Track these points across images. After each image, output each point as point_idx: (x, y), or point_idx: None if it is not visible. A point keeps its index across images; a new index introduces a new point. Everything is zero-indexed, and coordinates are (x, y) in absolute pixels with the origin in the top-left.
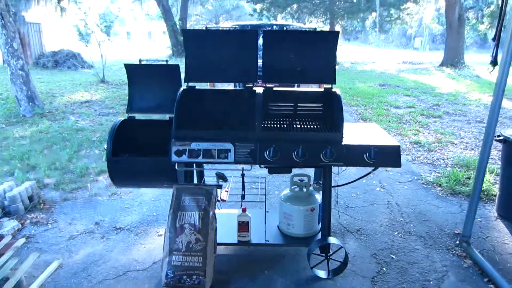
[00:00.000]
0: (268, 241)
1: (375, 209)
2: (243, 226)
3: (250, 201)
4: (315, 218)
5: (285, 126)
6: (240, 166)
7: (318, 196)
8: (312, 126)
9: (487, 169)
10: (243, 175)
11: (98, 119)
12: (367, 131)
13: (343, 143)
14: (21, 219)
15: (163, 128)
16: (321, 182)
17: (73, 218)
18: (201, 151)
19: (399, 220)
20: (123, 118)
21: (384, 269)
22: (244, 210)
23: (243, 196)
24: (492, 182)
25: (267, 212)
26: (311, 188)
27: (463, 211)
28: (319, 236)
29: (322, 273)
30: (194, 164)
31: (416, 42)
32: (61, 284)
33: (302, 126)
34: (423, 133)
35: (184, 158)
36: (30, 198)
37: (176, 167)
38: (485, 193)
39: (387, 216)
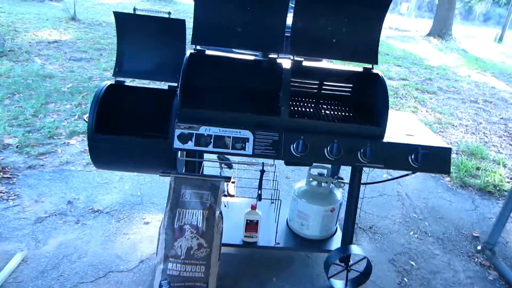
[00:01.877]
0: (279, 244)
1: (385, 201)
2: (252, 226)
3: (265, 198)
4: (334, 219)
5: (311, 110)
6: (259, 160)
7: (338, 194)
8: (343, 114)
9: (500, 162)
10: (262, 172)
11: (69, 64)
12: (404, 123)
13: (384, 140)
14: None
15: (160, 99)
16: (341, 178)
17: (40, 193)
18: (212, 138)
19: (412, 217)
20: (109, 83)
21: (405, 279)
22: (253, 207)
23: (259, 197)
24: (505, 176)
25: (272, 203)
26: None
27: (477, 208)
28: (335, 238)
29: (339, 284)
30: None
31: (402, 7)
32: (26, 286)
33: (332, 113)
34: (421, 111)
35: (190, 145)
36: None
37: (178, 156)
38: (497, 188)
39: (399, 210)
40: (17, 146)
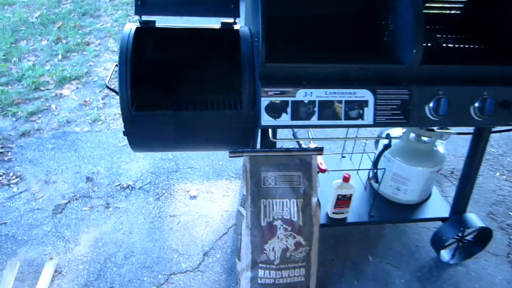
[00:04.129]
0: (373, 216)
1: (456, 136)
2: (343, 201)
3: (346, 169)
4: (435, 180)
5: (429, 45)
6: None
7: (442, 148)
8: (467, 46)
9: None
10: (387, 147)
11: None
12: None
13: None
14: None
15: (212, 44)
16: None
17: (47, 170)
18: (316, 106)
19: (491, 152)
20: (134, 26)
21: None
22: (346, 179)
23: (376, 178)
24: None
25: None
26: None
27: None
28: (432, 201)
29: (445, 255)
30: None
31: None
32: None
33: (455, 46)
34: None
35: (285, 119)
36: None
37: (271, 138)
38: None
39: None
40: None
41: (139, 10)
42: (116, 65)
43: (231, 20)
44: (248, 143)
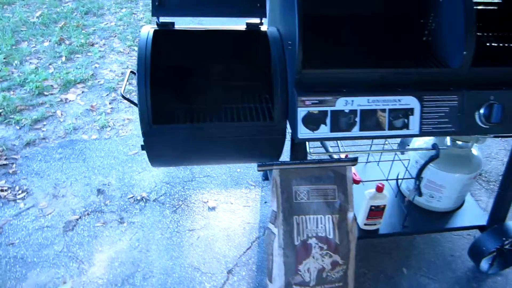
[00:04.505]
0: (407, 227)
1: None
2: (376, 212)
3: (380, 179)
4: (471, 187)
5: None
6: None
7: (478, 152)
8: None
9: None
10: (434, 158)
11: None
12: None
13: None
14: None
15: (237, 47)
16: None
17: (55, 182)
18: (358, 116)
19: None
20: (152, 29)
21: None
22: (380, 189)
23: (418, 190)
24: None
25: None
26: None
27: None
28: (467, 207)
29: (483, 265)
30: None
31: None
32: None
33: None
34: None
35: (324, 131)
36: None
37: (308, 150)
38: None
39: (500, 143)
40: (0, 114)
41: (156, 11)
42: (131, 72)
43: (257, 20)
44: (277, 155)
